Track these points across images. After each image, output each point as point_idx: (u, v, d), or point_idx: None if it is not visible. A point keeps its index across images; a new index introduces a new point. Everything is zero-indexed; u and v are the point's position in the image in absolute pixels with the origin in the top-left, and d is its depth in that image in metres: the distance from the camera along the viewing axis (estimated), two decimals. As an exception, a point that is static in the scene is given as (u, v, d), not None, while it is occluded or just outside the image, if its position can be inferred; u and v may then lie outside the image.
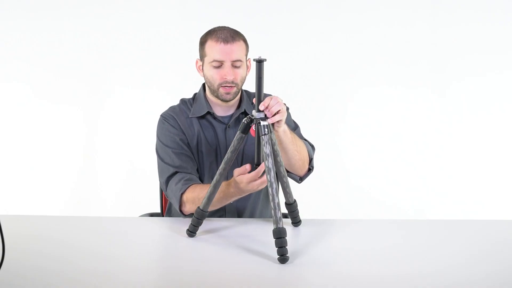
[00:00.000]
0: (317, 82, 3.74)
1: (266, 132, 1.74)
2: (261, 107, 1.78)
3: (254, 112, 1.78)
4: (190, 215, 2.18)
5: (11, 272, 1.54)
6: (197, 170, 2.22)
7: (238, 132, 1.79)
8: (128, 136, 3.73)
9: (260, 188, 1.87)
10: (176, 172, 2.15)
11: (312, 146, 2.27)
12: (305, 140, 2.25)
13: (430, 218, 3.60)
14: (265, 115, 1.78)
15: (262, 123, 1.75)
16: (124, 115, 3.75)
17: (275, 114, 1.81)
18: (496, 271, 1.63)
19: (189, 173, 2.15)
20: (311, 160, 2.21)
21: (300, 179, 2.20)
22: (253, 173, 1.83)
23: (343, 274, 1.60)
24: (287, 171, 2.15)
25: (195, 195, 2.05)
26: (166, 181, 2.17)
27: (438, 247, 1.83)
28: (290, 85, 3.68)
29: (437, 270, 1.62)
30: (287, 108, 2.27)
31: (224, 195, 1.98)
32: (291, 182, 2.00)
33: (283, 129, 1.95)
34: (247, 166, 1.85)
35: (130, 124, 3.73)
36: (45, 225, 2.07)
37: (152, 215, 2.39)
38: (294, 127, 2.28)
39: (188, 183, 2.10)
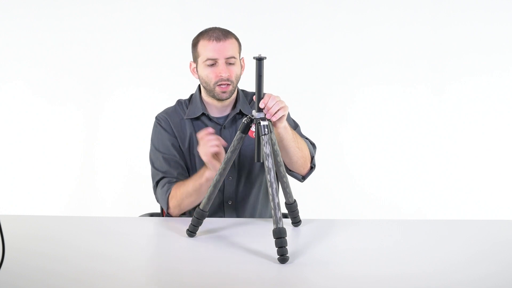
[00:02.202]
0: (316, 82, 3.74)
1: (266, 132, 1.74)
2: (261, 105, 1.78)
3: (254, 112, 1.77)
4: (188, 214, 2.19)
5: (11, 272, 1.54)
6: (188, 173, 2.23)
7: (238, 132, 1.79)
8: (128, 136, 3.73)
9: (211, 147, 1.95)
10: (163, 178, 2.19)
11: (313, 145, 2.27)
12: (306, 138, 2.25)
13: (430, 218, 3.60)
14: (266, 115, 1.77)
15: (262, 123, 1.75)
16: (125, 115, 3.75)
17: (276, 112, 1.82)
18: (496, 271, 1.63)
19: (175, 177, 2.18)
20: (312, 158, 2.21)
21: (302, 178, 2.19)
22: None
23: (343, 274, 1.60)
24: (289, 170, 2.15)
25: (176, 190, 2.12)
26: (155, 186, 2.22)
27: (438, 247, 1.83)
28: (290, 85, 3.68)
29: (437, 270, 1.62)
30: None
31: (197, 175, 2.06)
32: (291, 181, 2.00)
33: (284, 125, 1.94)
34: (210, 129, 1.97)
35: (130, 124, 3.73)
36: (45, 225, 2.07)
37: (152, 215, 2.39)
38: (294, 126, 2.28)
39: (172, 185, 2.15)
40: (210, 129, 1.91)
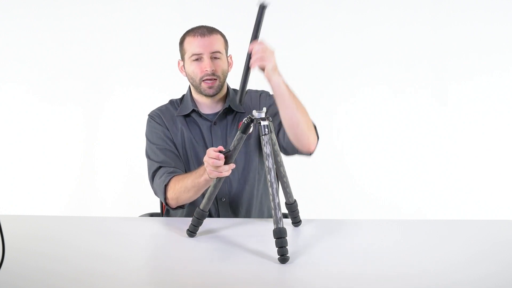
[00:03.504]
0: (316, 82, 3.74)
1: (266, 132, 1.74)
2: (250, 49, 1.82)
3: (254, 112, 1.78)
4: (188, 215, 2.19)
5: (11, 272, 1.54)
6: (184, 168, 2.23)
7: (238, 132, 1.80)
8: (128, 137, 3.73)
9: (214, 171, 1.81)
10: (160, 167, 2.18)
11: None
12: None
13: (430, 218, 3.60)
14: (266, 115, 1.78)
15: (262, 123, 1.75)
16: (124, 115, 3.75)
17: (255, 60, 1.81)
18: (496, 271, 1.63)
19: (173, 167, 2.17)
20: (315, 127, 2.10)
21: (309, 154, 2.06)
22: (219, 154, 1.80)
23: (343, 274, 1.60)
24: (296, 150, 2.04)
25: (175, 183, 2.09)
26: (151, 176, 2.21)
27: (438, 247, 1.83)
28: (290, 86, 3.68)
29: (437, 270, 1.62)
30: None
31: (197, 173, 2.00)
32: (292, 181, 1.99)
33: (276, 81, 1.89)
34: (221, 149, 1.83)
35: (130, 124, 3.73)
36: (45, 225, 2.08)
37: (152, 215, 2.39)
38: None
39: (170, 175, 2.13)
40: (221, 148, 1.86)
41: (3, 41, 3.68)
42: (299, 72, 3.73)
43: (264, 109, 1.78)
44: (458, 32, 3.69)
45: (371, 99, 3.75)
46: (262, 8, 1.76)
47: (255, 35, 1.81)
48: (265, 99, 2.28)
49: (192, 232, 1.89)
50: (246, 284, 1.54)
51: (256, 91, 2.33)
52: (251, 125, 1.78)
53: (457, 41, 3.70)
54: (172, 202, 2.13)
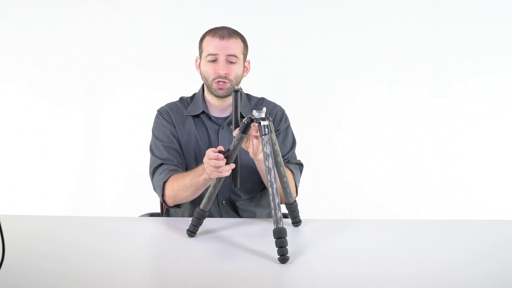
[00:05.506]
0: (316, 82, 3.74)
1: (267, 132, 1.74)
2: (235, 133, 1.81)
3: (254, 112, 1.77)
4: (188, 215, 2.19)
5: (11, 272, 1.54)
6: (186, 167, 2.23)
7: (238, 132, 1.80)
8: (128, 137, 3.73)
9: (215, 172, 1.82)
10: (161, 164, 2.18)
11: (301, 165, 2.27)
12: (296, 163, 2.25)
13: (430, 218, 3.60)
14: (266, 115, 1.78)
15: (262, 123, 1.75)
16: (125, 115, 3.75)
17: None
18: (496, 271, 1.63)
19: (175, 165, 2.18)
20: (296, 187, 2.20)
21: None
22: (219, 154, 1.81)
23: (343, 274, 1.60)
24: None
25: (174, 181, 2.09)
26: (152, 172, 2.21)
27: (438, 247, 1.83)
28: (290, 85, 3.68)
29: (437, 270, 1.62)
30: (287, 126, 2.26)
31: (196, 172, 2.01)
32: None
33: (260, 158, 1.92)
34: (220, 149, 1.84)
35: (130, 124, 3.73)
36: (45, 225, 2.07)
37: (152, 215, 2.39)
38: (291, 147, 2.28)
39: (171, 173, 2.14)
40: (221, 147, 1.83)
41: (3, 41, 3.68)
42: (299, 72, 3.74)
43: (264, 109, 1.78)
44: (458, 32, 3.70)
45: (371, 99, 3.75)
46: (236, 93, 1.80)
47: (236, 120, 1.83)
48: (277, 122, 2.27)
49: (192, 232, 1.89)
50: (246, 284, 1.54)
51: (274, 105, 2.32)
52: (251, 125, 1.78)
53: (457, 41, 3.70)
54: (169, 200, 2.13)
